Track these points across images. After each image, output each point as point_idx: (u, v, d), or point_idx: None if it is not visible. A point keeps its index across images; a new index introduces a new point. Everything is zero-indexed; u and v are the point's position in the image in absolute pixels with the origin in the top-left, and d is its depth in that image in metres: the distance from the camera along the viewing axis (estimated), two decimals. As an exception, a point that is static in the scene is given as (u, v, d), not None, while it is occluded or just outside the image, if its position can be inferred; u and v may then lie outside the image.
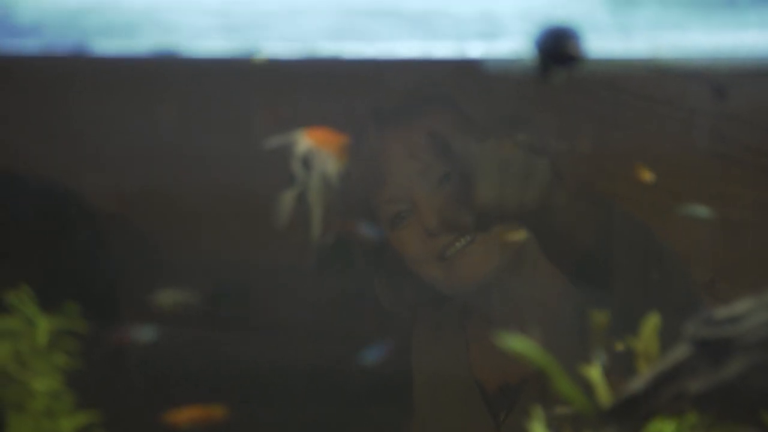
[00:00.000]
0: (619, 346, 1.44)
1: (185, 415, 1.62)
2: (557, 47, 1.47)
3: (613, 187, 2.20)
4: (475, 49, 1.58)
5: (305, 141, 1.65)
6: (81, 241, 2.25)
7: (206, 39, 1.58)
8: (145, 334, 2.04)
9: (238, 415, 2.22)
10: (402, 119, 2.13)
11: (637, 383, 1.35)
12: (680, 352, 1.34)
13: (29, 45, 1.57)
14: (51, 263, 2.17)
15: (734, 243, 2.06)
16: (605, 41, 1.54)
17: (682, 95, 1.94)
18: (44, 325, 1.54)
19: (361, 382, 2.26)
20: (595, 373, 1.41)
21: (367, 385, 2.27)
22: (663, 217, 2.12)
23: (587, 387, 1.40)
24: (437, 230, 2.09)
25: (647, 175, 2.02)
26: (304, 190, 1.65)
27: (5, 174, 2.17)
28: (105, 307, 2.11)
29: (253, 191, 2.18)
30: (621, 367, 1.43)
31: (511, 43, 1.55)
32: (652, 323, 1.42)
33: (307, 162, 1.65)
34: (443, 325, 2.28)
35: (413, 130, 2.13)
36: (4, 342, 1.53)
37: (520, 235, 2.06)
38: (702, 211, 1.95)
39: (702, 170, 2.08)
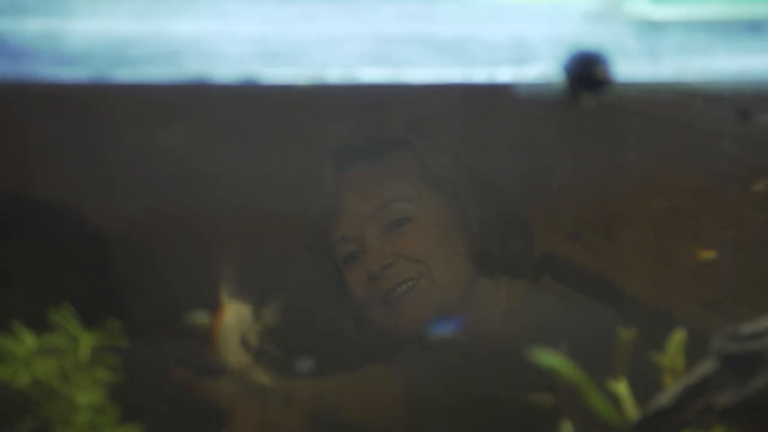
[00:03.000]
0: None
1: None
2: (586, 72, 1.50)
3: (629, 210, 2.22)
4: (506, 74, 1.62)
5: None
6: (91, 262, 2.28)
7: (245, 66, 1.62)
8: None
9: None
10: (361, 160, 2.17)
11: (665, 397, 1.38)
12: (707, 366, 1.37)
13: (77, 74, 1.61)
14: (63, 285, 2.20)
15: (747, 264, 2.08)
16: (633, 66, 1.57)
17: (704, 118, 1.97)
18: (86, 341, 1.57)
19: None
20: (622, 387, 1.44)
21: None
22: (677, 240, 2.15)
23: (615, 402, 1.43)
24: (380, 274, 2.12)
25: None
26: None
27: (30, 202, 2.21)
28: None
29: (267, 214, 2.22)
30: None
31: (541, 68, 1.58)
32: (677, 338, 1.46)
33: None
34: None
35: (369, 173, 2.17)
36: (49, 358, 1.56)
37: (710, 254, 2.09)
38: None
39: (718, 193, 2.11)
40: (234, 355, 1.69)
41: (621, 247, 2.24)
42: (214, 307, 2.25)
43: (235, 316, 1.69)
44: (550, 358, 1.40)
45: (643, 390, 1.44)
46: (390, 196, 2.13)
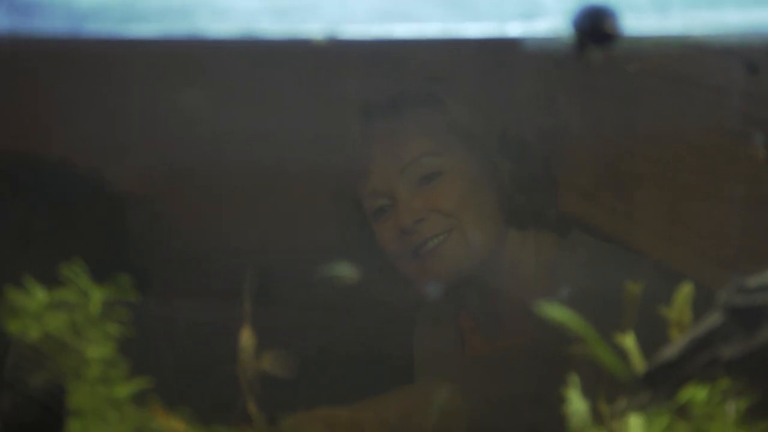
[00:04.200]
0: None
1: None
2: (594, 26, 1.50)
3: (641, 168, 2.22)
4: (515, 29, 1.62)
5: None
6: (107, 223, 2.29)
7: (255, 21, 1.61)
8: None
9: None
10: (389, 115, 2.17)
11: (671, 350, 1.38)
12: (713, 319, 1.37)
13: (88, 29, 1.61)
14: (79, 245, 2.21)
15: (760, 221, 2.08)
16: (641, 20, 1.57)
17: (712, 74, 1.96)
18: (97, 296, 1.58)
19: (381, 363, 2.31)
20: (629, 341, 1.44)
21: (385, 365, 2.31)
22: (689, 197, 2.15)
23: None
24: (412, 229, 2.13)
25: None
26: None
27: (43, 158, 2.22)
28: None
29: (283, 171, 2.22)
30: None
31: (549, 22, 1.58)
32: (684, 291, 1.46)
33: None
34: (441, 318, 2.31)
35: (399, 127, 2.18)
36: (60, 313, 1.57)
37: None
38: None
39: (730, 149, 2.10)
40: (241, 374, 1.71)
41: (634, 205, 2.24)
42: (228, 263, 2.26)
43: (243, 340, 1.70)
44: (556, 312, 1.40)
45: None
46: (420, 151, 2.15)
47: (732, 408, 1.40)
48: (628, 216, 2.25)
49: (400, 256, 2.16)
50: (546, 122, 2.19)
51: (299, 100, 2.18)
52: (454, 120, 2.16)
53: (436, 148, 2.15)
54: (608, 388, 1.43)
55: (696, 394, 1.40)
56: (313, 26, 1.63)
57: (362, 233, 2.22)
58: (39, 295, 1.57)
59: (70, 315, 1.57)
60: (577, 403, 1.41)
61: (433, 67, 2.13)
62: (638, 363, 1.42)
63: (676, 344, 1.38)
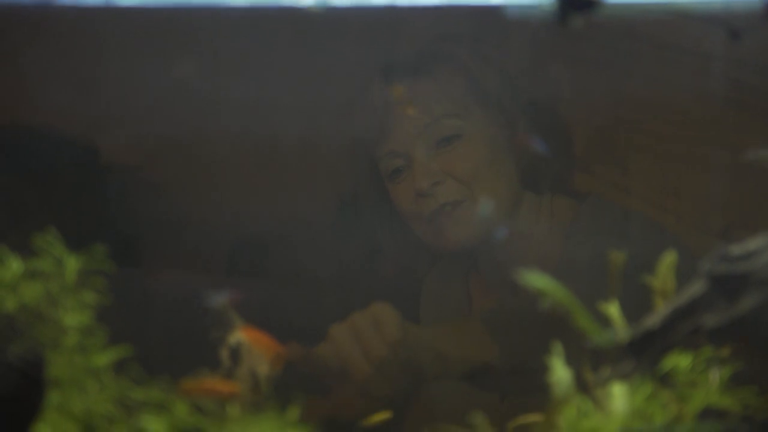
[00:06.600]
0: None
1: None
2: (576, -7, 1.49)
3: (629, 137, 2.22)
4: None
5: (239, 335, 1.66)
6: (100, 193, 2.28)
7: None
8: None
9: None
10: (410, 76, 2.16)
11: (654, 318, 1.39)
12: (696, 288, 1.37)
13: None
14: (71, 214, 2.19)
15: (749, 190, 2.08)
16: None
17: (697, 40, 1.96)
18: (72, 264, 1.57)
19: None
20: (613, 309, 1.44)
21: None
22: (678, 166, 2.15)
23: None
24: (428, 191, 2.13)
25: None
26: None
27: (28, 128, 2.20)
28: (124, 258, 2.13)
29: (274, 142, 2.21)
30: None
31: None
32: (668, 260, 1.46)
33: (235, 355, 1.66)
34: (450, 276, 2.31)
35: (419, 88, 2.17)
36: (35, 282, 1.56)
37: None
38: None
39: (717, 117, 2.10)
40: None
41: (627, 174, 2.24)
42: (219, 234, 2.25)
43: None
44: (538, 280, 1.40)
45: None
46: (440, 112, 2.13)
47: (715, 376, 1.41)
48: (621, 186, 2.25)
49: (414, 217, 2.16)
50: (539, 92, 2.18)
51: (291, 68, 2.16)
52: (477, 82, 2.15)
53: (456, 110, 2.14)
54: (593, 357, 1.43)
55: (679, 362, 1.40)
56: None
57: (358, 205, 2.22)
58: (14, 265, 1.55)
59: (45, 285, 1.56)
60: (560, 372, 1.41)
61: (414, 34, 2.11)
62: (621, 331, 1.42)
63: (659, 313, 1.38)
